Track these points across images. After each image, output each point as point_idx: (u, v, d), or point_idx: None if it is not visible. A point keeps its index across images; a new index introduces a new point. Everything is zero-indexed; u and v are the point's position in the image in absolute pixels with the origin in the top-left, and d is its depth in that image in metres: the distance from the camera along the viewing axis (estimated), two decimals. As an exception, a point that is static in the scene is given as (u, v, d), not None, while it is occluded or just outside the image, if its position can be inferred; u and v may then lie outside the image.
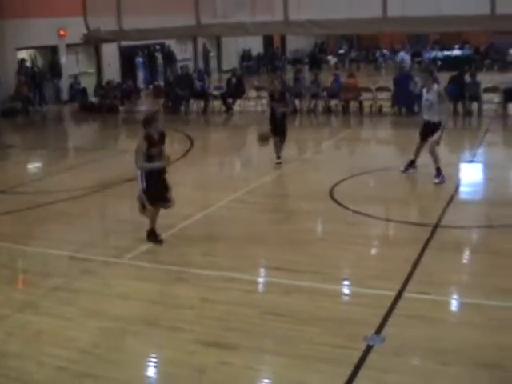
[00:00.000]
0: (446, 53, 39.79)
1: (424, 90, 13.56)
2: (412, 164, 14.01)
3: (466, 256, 9.82)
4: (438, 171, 13.13)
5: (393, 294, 7.95)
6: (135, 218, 10.60)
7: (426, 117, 13.52)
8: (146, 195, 9.94)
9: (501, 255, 9.39)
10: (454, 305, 8.16)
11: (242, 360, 6.66)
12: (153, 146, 9.86)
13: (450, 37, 38.81)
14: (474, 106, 22.64)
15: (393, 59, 40.93)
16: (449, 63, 35.37)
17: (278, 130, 15.33)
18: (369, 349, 6.70)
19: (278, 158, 15.33)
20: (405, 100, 22.99)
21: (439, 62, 37.49)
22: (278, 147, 15.40)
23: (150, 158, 9.85)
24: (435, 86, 13.56)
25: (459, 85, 22.72)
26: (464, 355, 6.59)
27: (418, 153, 13.92)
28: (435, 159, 13.20)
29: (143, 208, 10.18)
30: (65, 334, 7.39)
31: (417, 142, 13.83)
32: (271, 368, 6.73)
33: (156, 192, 10.01)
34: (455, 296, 8.30)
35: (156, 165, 9.95)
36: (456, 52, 40.08)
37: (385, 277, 8.56)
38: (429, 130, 13.42)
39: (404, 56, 36.88)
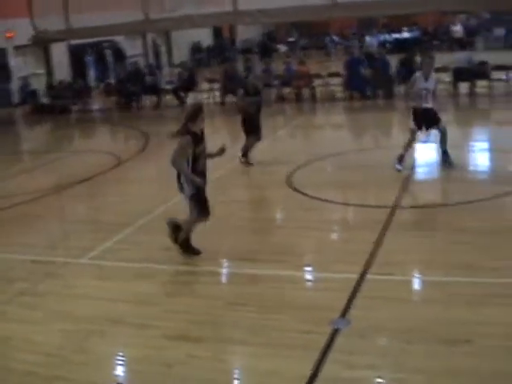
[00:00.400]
0: (395, 35, 40.10)
1: (421, 78, 12.96)
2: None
3: (425, 235, 9.90)
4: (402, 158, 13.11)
5: (356, 276, 8.01)
6: (93, 217, 10.54)
7: (425, 105, 13.06)
8: (195, 203, 9.01)
9: (459, 232, 9.53)
10: (416, 284, 8.24)
11: (210, 352, 6.67)
12: (198, 145, 8.79)
13: (399, 19, 39.13)
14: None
15: (343, 44, 41.19)
16: (398, 46, 35.68)
17: (256, 127, 14.59)
18: (336, 332, 6.75)
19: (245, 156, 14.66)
20: (357, 84, 23.16)
21: (388, 45, 37.78)
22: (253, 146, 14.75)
23: (195, 158, 8.78)
24: (434, 74, 13.37)
25: (410, 66, 22.91)
26: (429, 333, 6.67)
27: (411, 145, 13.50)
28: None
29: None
30: (32, 338, 7.31)
31: (413, 132, 13.31)
32: (240, 358, 6.75)
33: (205, 200, 9.19)
34: (417, 275, 8.38)
35: (200, 182, 8.88)
36: (405, 34, 40.43)
37: (347, 260, 8.63)
38: (431, 117, 13.17)
39: (371, 40, 37.09)
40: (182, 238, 9.19)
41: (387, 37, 40.57)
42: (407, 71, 22.58)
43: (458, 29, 39.86)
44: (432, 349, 6.37)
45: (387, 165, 13.11)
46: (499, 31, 41.61)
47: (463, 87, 22.85)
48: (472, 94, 22.79)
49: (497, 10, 38.01)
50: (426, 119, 13.15)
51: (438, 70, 23.41)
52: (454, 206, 10.72)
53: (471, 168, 13.73)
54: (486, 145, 15.98)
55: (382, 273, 8.19)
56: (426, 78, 12.93)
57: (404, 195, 11.54)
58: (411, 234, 9.67)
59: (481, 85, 22.78)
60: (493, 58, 24.47)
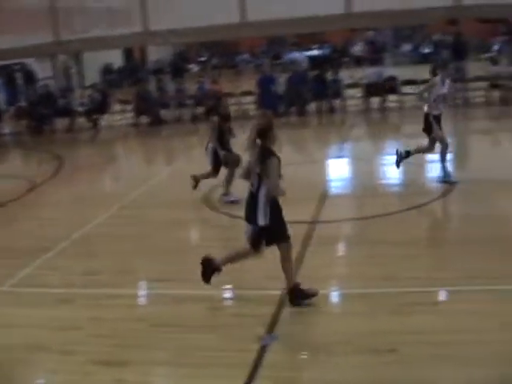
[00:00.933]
0: (306, 53, 40.59)
1: (439, 84, 12.73)
2: None
3: (345, 248, 10.08)
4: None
5: (280, 292, 8.05)
6: (10, 244, 10.32)
7: (443, 109, 12.94)
8: (277, 230, 7.77)
9: (377, 244, 9.71)
10: (339, 297, 8.34)
11: (138, 375, 6.58)
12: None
13: (309, 37, 39.68)
14: (338, 103, 23.27)
15: (254, 63, 41.52)
16: (309, 63, 36.13)
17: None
18: (263, 349, 6.78)
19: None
20: (269, 102, 23.33)
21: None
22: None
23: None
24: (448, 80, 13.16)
25: (321, 83, 23.29)
26: (354, 344, 6.76)
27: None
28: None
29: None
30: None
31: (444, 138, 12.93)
32: (167, 380, 6.71)
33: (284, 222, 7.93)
34: (339, 288, 8.48)
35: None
36: (315, 52, 40.94)
37: (270, 277, 8.61)
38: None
39: (299, 56, 37.38)
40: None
41: (298, 55, 41.04)
42: (319, 88, 23.05)
43: (358, 48, 40.84)
44: (357, 360, 6.46)
45: (303, 180, 13.25)
46: (406, 47, 42.71)
47: (374, 102, 23.32)
48: (383, 108, 23.28)
49: (403, 25, 39.05)
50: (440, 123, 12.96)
51: (348, 86, 24.04)
52: (371, 219, 10.90)
53: (385, 181, 13.99)
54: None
55: (304, 287, 8.26)
56: (444, 83, 12.84)
57: (322, 210, 11.69)
58: (331, 248, 9.80)
59: (391, 99, 23.31)
60: (401, 73, 25.09)
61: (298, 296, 7.73)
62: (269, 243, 7.83)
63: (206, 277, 8.13)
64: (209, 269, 8.14)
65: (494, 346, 6.51)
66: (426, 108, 12.85)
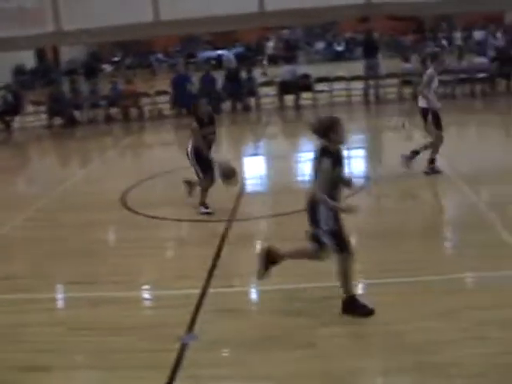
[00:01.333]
0: (219, 52, 40.66)
1: (435, 77, 12.77)
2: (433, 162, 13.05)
3: (263, 245, 10.16)
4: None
5: (198, 291, 8.09)
6: None
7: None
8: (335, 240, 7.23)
9: (294, 241, 9.76)
10: (258, 293, 8.41)
11: (61, 380, 6.52)
12: (336, 167, 7.18)
13: (222, 36, 39.76)
14: (253, 101, 23.41)
15: (168, 62, 41.41)
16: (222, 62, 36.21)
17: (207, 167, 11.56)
18: (184, 348, 6.79)
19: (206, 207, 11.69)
20: (183, 101, 23.32)
21: (213, 62, 38.26)
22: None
23: (333, 182, 7.21)
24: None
25: (236, 82, 23.39)
26: (274, 340, 6.84)
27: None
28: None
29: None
30: None
31: (437, 134, 12.84)
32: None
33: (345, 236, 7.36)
34: (258, 285, 8.54)
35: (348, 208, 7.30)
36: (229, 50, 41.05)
37: (187, 276, 8.68)
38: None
39: (228, 54, 37.32)
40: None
41: (211, 53, 41.10)
42: (233, 87, 23.15)
43: (270, 44, 41.19)
44: (278, 355, 6.54)
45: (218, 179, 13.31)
46: (319, 45, 43.25)
47: (289, 100, 23.53)
48: (297, 106, 23.51)
49: (316, 23, 39.47)
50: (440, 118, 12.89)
51: (263, 84, 24.22)
52: (288, 215, 11.01)
53: (301, 178, 14.13)
54: (312, 155, 16.49)
55: (222, 285, 8.34)
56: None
57: (239, 207, 11.76)
58: (248, 245, 9.86)
59: (305, 97, 23.55)
60: (315, 70, 25.38)
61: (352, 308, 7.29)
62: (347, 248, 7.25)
63: (262, 268, 7.69)
64: (267, 260, 7.68)
65: (408, 337, 6.69)
66: (422, 103, 12.82)
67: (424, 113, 12.80)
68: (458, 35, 41.14)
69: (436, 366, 6.12)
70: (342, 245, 7.14)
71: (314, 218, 7.28)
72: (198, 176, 11.61)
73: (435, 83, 12.77)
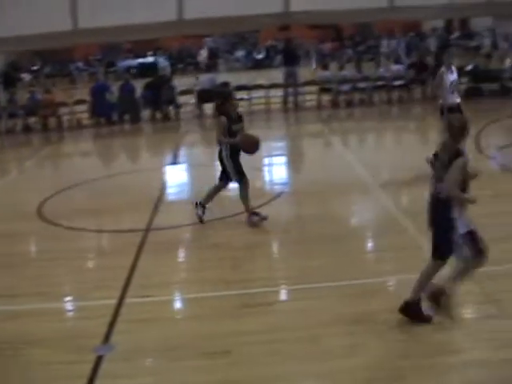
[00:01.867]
0: (140, 60, 40.42)
1: (446, 72, 12.87)
2: None
3: (181, 254, 10.18)
4: None
5: (115, 302, 8.05)
6: None
7: (458, 99, 13.01)
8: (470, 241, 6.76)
9: (211, 248, 9.88)
10: (175, 302, 8.44)
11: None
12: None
13: (143, 44, 39.52)
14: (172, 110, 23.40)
15: (88, 71, 41.01)
16: (143, 70, 35.97)
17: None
18: (100, 359, 6.75)
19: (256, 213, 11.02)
20: (102, 110, 23.15)
21: (134, 70, 38.03)
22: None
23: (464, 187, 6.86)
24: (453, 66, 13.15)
25: (155, 90, 23.31)
26: (192, 348, 6.87)
27: None
28: None
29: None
30: None
31: None
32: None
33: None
34: (177, 293, 8.57)
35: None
36: (149, 59, 40.82)
37: (104, 286, 8.62)
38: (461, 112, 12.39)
39: (164, 62, 37.02)
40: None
41: (132, 62, 40.80)
42: (153, 95, 23.09)
43: (203, 52, 41.13)
44: (196, 363, 6.58)
45: (138, 188, 13.27)
46: (240, 53, 43.42)
47: (207, 108, 23.56)
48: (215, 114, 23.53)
49: (235, 32, 39.64)
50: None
51: (182, 92, 24.20)
52: (207, 223, 11.02)
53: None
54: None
55: (140, 295, 8.29)
56: (451, 71, 12.90)
57: (157, 217, 11.73)
58: (166, 254, 9.84)
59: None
60: (235, 78, 25.49)
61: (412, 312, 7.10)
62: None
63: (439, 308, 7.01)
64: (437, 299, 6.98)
65: (326, 341, 6.79)
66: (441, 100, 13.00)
67: (441, 109, 13.01)
68: (375, 43, 41.80)
69: (351, 371, 6.22)
70: (479, 246, 6.75)
71: (444, 223, 6.83)
72: (233, 179, 10.91)
73: (448, 80, 12.84)
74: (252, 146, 10.59)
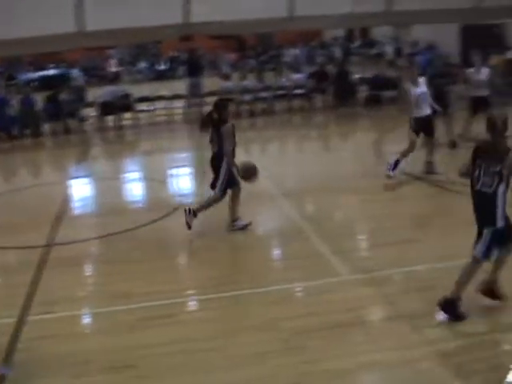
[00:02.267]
0: (42, 73, 39.66)
1: (410, 86, 13.19)
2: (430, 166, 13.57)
3: (86, 268, 10.03)
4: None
5: (14, 320, 7.86)
6: None
7: (427, 111, 13.24)
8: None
9: (114, 262, 9.78)
10: (78, 318, 8.22)
11: None
12: None
13: (45, 57, 38.82)
14: (73, 123, 23.08)
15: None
16: (45, 83, 35.25)
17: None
18: (1, 379, 6.59)
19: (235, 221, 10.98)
20: (2, 124, 22.62)
21: (35, 83, 37.29)
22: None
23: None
24: (421, 78, 13.32)
25: (56, 103, 22.98)
26: (96, 363, 6.78)
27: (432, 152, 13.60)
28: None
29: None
30: None
31: (425, 142, 13.65)
32: None
33: None
34: (82, 308, 8.40)
35: None
36: (51, 71, 40.09)
37: (3, 305, 8.42)
38: (432, 123, 13.43)
39: (77, 73, 36.25)
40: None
41: (33, 75, 39.99)
42: (54, 108, 22.75)
43: (113, 62, 40.81)
44: (102, 378, 6.52)
45: (39, 203, 13.05)
46: (142, 64, 43.21)
47: (110, 120, 23.37)
48: (118, 126, 23.41)
49: (137, 43, 39.43)
50: (429, 126, 13.40)
51: (85, 105, 23.94)
52: (109, 237, 10.93)
53: (125, 198, 14.11)
54: (136, 175, 16.54)
55: (42, 312, 8.13)
56: (417, 84, 13.13)
57: (60, 231, 11.54)
58: (68, 270, 9.65)
59: (126, 117, 23.50)
60: (137, 90, 25.36)
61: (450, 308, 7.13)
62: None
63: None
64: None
65: (232, 351, 6.81)
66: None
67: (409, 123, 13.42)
68: (277, 53, 42.20)
69: (260, 379, 6.27)
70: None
71: (490, 218, 6.98)
72: (216, 190, 10.73)
73: (415, 92, 13.13)
74: (251, 177, 10.68)
